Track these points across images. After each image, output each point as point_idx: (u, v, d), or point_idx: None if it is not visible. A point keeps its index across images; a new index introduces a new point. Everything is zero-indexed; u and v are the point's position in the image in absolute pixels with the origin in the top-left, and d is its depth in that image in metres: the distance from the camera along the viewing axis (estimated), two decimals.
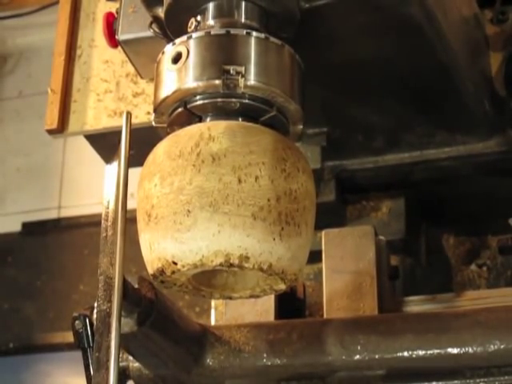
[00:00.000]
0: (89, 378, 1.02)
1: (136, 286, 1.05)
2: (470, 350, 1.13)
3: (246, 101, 0.96)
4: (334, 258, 1.33)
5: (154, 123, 1.01)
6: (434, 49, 1.18)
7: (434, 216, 1.62)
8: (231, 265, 0.90)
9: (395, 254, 1.46)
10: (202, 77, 0.95)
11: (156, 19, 1.12)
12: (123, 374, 1.19)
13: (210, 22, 1.01)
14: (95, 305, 0.97)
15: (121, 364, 1.18)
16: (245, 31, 0.96)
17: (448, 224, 1.72)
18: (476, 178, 1.47)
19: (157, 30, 1.21)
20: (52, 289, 2.57)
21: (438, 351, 1.13)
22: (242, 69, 0.94)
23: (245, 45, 0.96)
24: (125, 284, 0.97)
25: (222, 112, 0.97)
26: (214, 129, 0.93)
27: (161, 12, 1.08)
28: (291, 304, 1.36)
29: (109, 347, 0.92)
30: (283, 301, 1.34)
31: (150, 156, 0.97)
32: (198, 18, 1.02)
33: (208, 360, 1.18)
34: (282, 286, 0.97)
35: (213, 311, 1.55)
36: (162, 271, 0.93)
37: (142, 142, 1.11)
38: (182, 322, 1.16)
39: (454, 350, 1.13)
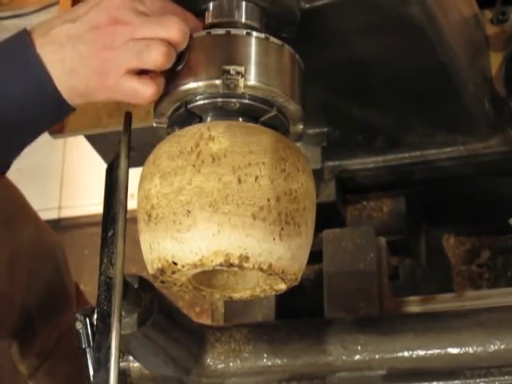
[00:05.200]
0: (89, 378, 1.02)
1: (136, 286, 1.05)
2: (470, 350, 1.13)
3: (246, 101, 0.96)
4: (334, 259, 1.33)
5: (154, 123, 1.01)
6: (434, 49, 1.18)
7: (434, 216, 1.63)
8: (231, 265, 0.90)
9: (395, 254, 1.46)
10: (202, 77, 0.95)
11: None
12: (123, 374, 1.20)
13: (211, 21, 1.01)
14: (95, 305, 0.97)
15: (121, 364, 1.18)
16: (245, 31, 0.96)
17: (448, 224, 1.72)
18: (476, 178, 1.47)
19: None
20: None
21: (438, 351, 1.14)
22: (242, 69, 0.94)
23: (245, 45, 0.96)
24: (125, 284, 0.97)
25: (222, 112, 0.97)
26: (213, 129, 0.93)
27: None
28: (291, 304, 1.36)
29: (109, 347, 0.92)
30: (283, 301, 1.35)
31: (150, 156, 0.97)
32: (199, 18, 1.02)
33: (208, 360, 1.19)
34: (283, 286, 0.97)
35: (212, 311, 1.55)
36: (162, 271, 0.93)
37: (143, 143, 1.12)
38: (182, 322, 1.16)
39: (454, 350, 1.13)
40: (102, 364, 0.93)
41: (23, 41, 0.95)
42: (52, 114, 0.99)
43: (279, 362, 1.18)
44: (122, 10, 0.93)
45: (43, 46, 0.94)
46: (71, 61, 0.94)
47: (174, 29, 0.92)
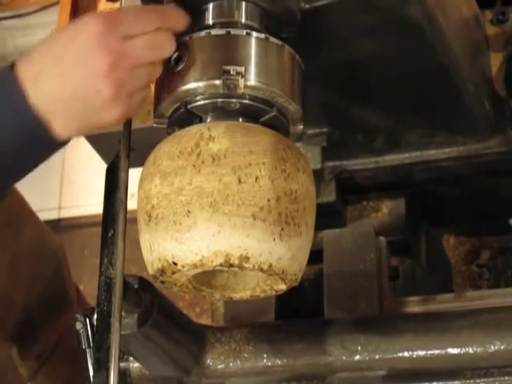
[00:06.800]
0: (89, 378, 1.02)
1: (136, 286, 1.05)
2: (471, 350, 1.13)
3: (246, 101, 0.96)
4: (334, 259, 1.33)
5: (154, 124, 1.01)
6: (434, 49, 1.18)
7: (434, 216, 1.62)
8: (231, 265, 0.90)
9: (395, 254, 1.46)
10: (202, 77, 0.95)
11: None
12: (123, 374, 1.19)
13: (211, 22, 1.01)
14: (95, 305, 0.97)
15: (121, 364, 1.18)
16: (245, 31, 0.96)
17: (448, 224, 1.72)
18: (476, 178, 1.47)
19: None
20: None
21: (438, 351, 1.13)
22: (242, 69, 0.94)
23: (245, 45, 0.96)
24: (125, 284, 0.97)
25: (222, 112, 0.97)
26: (214, 129, 0.93)
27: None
28: (291, 304, 1.36)
29: (109, 348, 0.92)
30: (283, 301, 1.35)
31: (151, 156, 0.97)
32: (199, 18, 1.02)
33: (208, 360, 1.18)
34: (283, 287, 0.97)
35: (212, 311, 1.55)
36: (162, 271, 0.93)
37: (143, 143, 1.12)
38: (182, 322, 1.16)
39: (455, 351, 1.13)
40: (102, 364, 0.93)
41: (12, 86, 0.91)
42: (44, 153, 0.98)
43: (279, 362, 1.17)
44: (110, 44, 0.89)
45: (36, 93, 0.90)
46: (76, 107, 0.91)
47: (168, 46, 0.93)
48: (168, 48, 0.94)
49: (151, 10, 0.93)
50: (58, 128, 0.92)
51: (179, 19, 0.96)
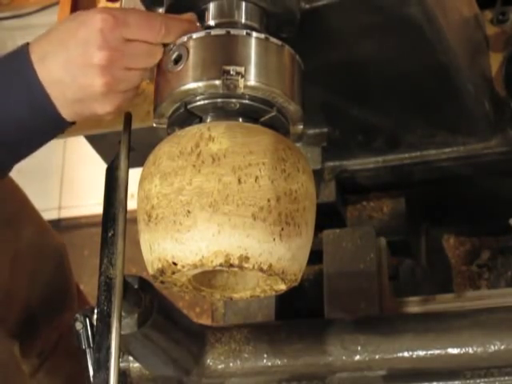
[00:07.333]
0: (89, 378, 1.02)
1: (136, 286, 1.05)
2: (471, 350, 1.13)
3: (246, 101, 0.96)
4: (334, 259, 1.33)
5: (154, 124, 1.01)
6: (434, 49, 1.18)
7: (434, 216, 1.63)
8: (231, 265, 0.90)
9: (395, 254, 1.46)
10: (202, 77, 0.95)
11: None
12: (123, 374, 1.20)
13: (211, 22, 1.01)
14: (95, 305, 0.97)
15: (121, 365, 1.18)
16: (245, 32, 0.96)
17: (448, 224, 1.72)
18: (476, 178, 1.47)
19: None
20: None
21: (438, 352, 1.13)
22: (242, 69, 0.94)
23: (245, 45, 0.96)
24: (125, 284, 0.97)
25: (222, 112, 0.97)
26: (214, 129, 0.93)
27: (161, 12, 1.08)
28: (291, 304, 1.36)
29: (109, 348, 0.92)
30: (283, 301, 1.35)
31: (150, 157, 0.97)
32: (199, 18, 1.02)
33: (208, 360, 1.19)
34: (283, 287, 0.97)
35: (212, 312, 1.55)
36: (162, 272, 0.93)
37: (143, 143, 1.12)
38: (182, 322, 1.16)
39: (455, 351, 1.13)
40: (102, 364, 0.93)
41: (25, 62, 0.97)
42: (52, 131, 1.01)
43: (279, 362, 1.17)
44: (111, 41, 0.93)
45: (42, 73, 0.95)
46: (73, 94, 0.95)
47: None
48: (158, 57, 0.98)
49: (158, 23, 0.96)
50: (60, 109, 0.97)
51: (183, 35, 0.98)
